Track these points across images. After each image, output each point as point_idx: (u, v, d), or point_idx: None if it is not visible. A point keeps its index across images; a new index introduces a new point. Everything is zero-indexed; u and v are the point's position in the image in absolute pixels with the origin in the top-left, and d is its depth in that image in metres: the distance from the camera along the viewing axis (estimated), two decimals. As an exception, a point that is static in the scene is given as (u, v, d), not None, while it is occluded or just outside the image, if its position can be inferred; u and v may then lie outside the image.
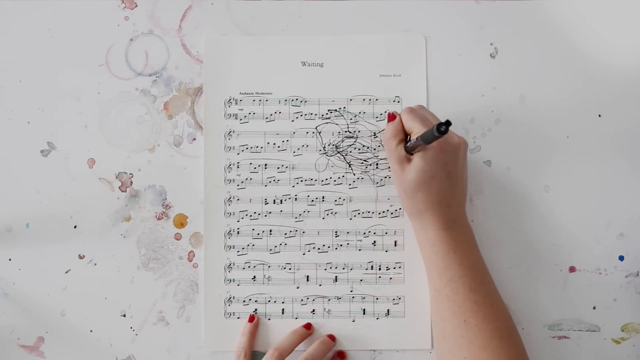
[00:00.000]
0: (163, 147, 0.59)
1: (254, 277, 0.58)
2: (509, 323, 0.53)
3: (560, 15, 0.60)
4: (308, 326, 0.57)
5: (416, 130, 0.52)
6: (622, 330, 0.58)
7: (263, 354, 0.56)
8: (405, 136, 0.54)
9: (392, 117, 0.56)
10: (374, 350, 0.58)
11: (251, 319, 0.57)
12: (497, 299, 0.53)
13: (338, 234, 0.58)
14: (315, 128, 0.59)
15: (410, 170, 0.52)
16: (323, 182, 0.59)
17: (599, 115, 0.59)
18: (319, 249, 0.58)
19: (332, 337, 0.57)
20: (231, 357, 0.57)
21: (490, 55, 0.60)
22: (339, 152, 0.59)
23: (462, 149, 0.53)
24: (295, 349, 0.56)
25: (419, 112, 0.54)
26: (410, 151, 0.53)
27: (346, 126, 0.59)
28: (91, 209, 0.59)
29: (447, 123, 0.45)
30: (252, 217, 0.58)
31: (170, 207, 0.59)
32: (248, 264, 0.58)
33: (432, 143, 0.50)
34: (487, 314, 0.51)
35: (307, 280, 0.58)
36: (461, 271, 0.52)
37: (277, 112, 0.59)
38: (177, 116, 0.59)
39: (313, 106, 0.59)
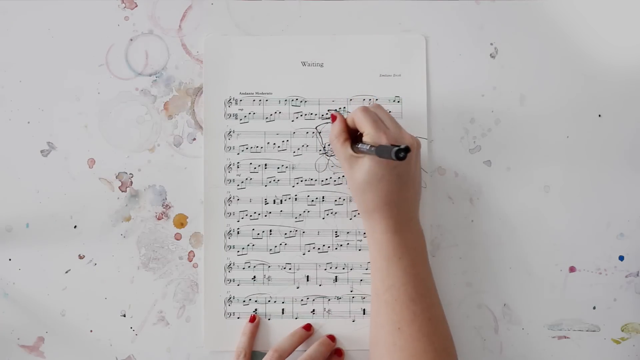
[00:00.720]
0: (163, 147, 0.59)
1: (254, 277, 0.58)
2: (447, 341, 0.52)
3: (560, 15, 0.60)
4: (308, 327, 0.57)
5: (366, 130, 0.51)
6: (622, 330, 0.58)
7: (263, 354, 0.56)
8: (351, 135, 0.54)
9: (333, 117, 0.55)
10: (374, 350, 0.58)
11: (252, 319, 0.57)
12: (438, 313, 0.52)
13: (338, 234, 0.58)
14: (315, 128, 0.59)
15: (358, 169, 0.52)
16: (323, 182, 0.59)
17: (599, 116, 0.59)
18: (319, 249, 0.58)
19: (332, 338, 0.57)
20: (231, 357, 0.57)
21: (490, 55, 0.60)
22: (339, 152, 0.59)
23: (414, 151, 0.53)
24: (296, 349, 0.56)
25: (372, 113, 0.53)
26: (358, 152, 0.52)
27: (346, 126, 0.59)
28: (91, 209, 0.59)
29: (407, 150, 0.44)
30: (252, 217, 0.58)
31: (170, 207, 0.59)
32: (248, 264, 0.58)
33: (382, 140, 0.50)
34: (424, 326, 0.50)
35: (307, 280, 0.58)
36: (404, 279, 0.51)
37: (277, 112, 0.59)
38: (177, 116, 0.59)
39: (313, 106, 0.59)
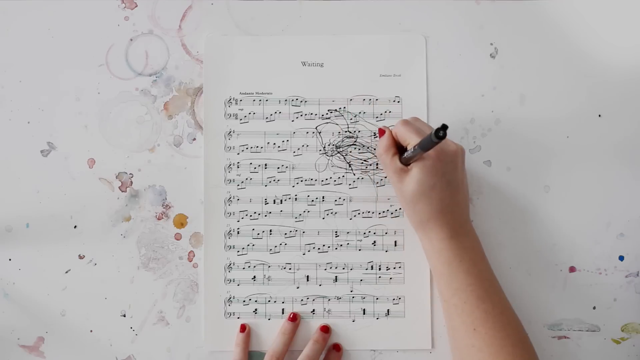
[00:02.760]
0: (163, 147, 0.59)
1: (254, 277, 0.58)
2: (520, 331, 0.52)
3: (560, 15, 0.60)
4: (294, 318, 0.57)
5: (412, 141, 0.52)
6: (622, 330, 0.58)
7: (260, 354, 0.56)
8: (398, 148, 0.54)
9: (382, 132, 0.55)
10: (374, 350, 0.58)
11: (242, 329, 0.57)
12: (507, 306, 0.53)
13: (338, 234, 0.58)
14: (315, 128, 0.59)
15: (408, 181, 0.52)
16: (323, 182, 0.59)
17: (599, 116, 0.59)
18: (319, 249, 0.58)
19: (325, 329, 0.57)
20: (231, 356, 0.57)
21: (490, 55, 0.60)
22: (339, 152, 0.59)
23: (460, 157, 0.53)
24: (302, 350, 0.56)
25: (413, 124, 0.53)
26: (407, 162, 0.52)
27: (346, 126, 0.59)
28: (91, 209, 0.59)
29: (444, 127, 0.44)
30: (252, 217, 0.58)
31: (170, 207, 0.59)
32: (248, 264, 0.58)
33: (429, 151, 0.50)
34: (497, 322, 0.51)
35: (307, 280, 0.58)
36: (468, 280, 0.52)
37: (277, 112, 0.59)
38: (177, 116, 0.59)
39: (313, 106, 0.59)
